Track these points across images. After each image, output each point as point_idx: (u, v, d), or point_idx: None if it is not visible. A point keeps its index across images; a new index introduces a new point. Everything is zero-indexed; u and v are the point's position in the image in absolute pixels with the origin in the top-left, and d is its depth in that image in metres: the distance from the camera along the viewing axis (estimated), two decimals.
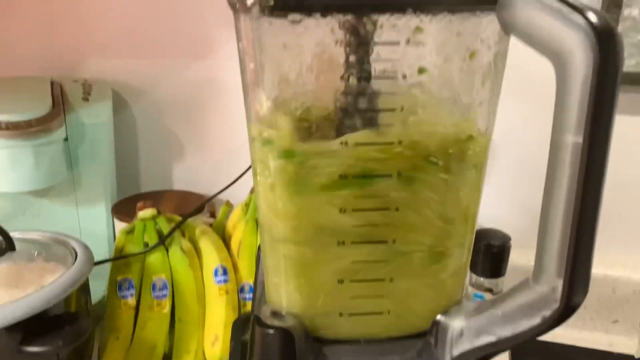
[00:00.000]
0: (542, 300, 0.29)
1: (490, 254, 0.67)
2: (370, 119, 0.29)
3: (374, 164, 0.29)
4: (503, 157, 0.76)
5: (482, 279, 0.69)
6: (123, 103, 0.86)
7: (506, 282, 0.68)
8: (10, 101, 0.65)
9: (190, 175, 0.88)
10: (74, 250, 0.58)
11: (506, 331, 0.30)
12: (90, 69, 0.86)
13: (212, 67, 0.82)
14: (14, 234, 0.57)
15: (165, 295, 0.65)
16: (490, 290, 0.69)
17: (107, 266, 0.66)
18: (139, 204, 0.66)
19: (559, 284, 0.27)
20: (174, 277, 0.66)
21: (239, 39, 0.28)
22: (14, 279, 0.53)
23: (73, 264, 0.55)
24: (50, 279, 0.53)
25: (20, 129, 0.60)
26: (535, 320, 0.29)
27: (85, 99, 0.73)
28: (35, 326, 0.47)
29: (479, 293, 0.69)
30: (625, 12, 0.63)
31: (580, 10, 0.23)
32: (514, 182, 0.76)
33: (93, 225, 0.76)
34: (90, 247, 0.60)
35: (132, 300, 0.64)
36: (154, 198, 0.83)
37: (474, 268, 0.69)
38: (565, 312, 0.28)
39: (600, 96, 0.23)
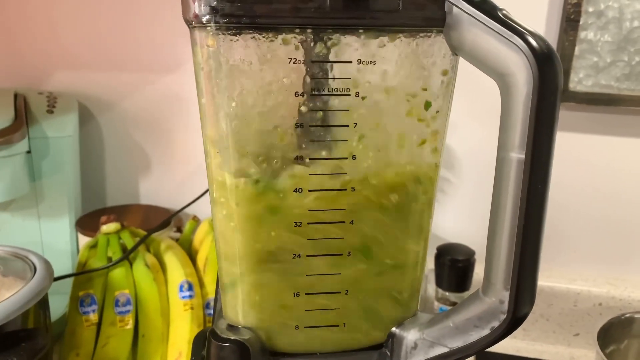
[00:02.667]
0: (491, 312, 0.30)
1: (456, 268, 0.68)
2: (323, 143, 0.30)
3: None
4: (466, 174, 0.77)
5: (447, 293, 0.69)
6: (89, 115, 0.85)
7: None
8: None
9: (156, 190, 0.88)
10: (34, 264, 0.57)
11: (457, 342, 0.31)
12: (56, 82, 0.85)
13: (178, 82, 0.82)
14: None
15: (128, 311, 0.64)
16: (454, 304, 0.70)
17: (69, 281, 0.64)
18: (103, 218, 0.65)
19: (506, 296, 0.28)
20: (137, 292, 0.65)
21: (194, 54, 0.28)
22: None
23: (32, 278, 0.54)
24: (8, 294, 0.52)
25: None
26: (485, 331, 0.30)
27: (50, 112, 0.73)
28: None
29: (445, 307, 0.70)
30: (582, 34, 0.65)
31: (520, 33, 0.24)
32: (477, 197, 0.77)
33: (56, 239, 0.74)
34: (51, 262, 0.59)
35: (94, 316, 0.63)
36: (119, 212, 0.82)
37: (439, 282, 0.70)
38: (512, 323, 0.29)
39: (541, 114, 0.24)
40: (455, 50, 0.28)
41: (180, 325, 0.65)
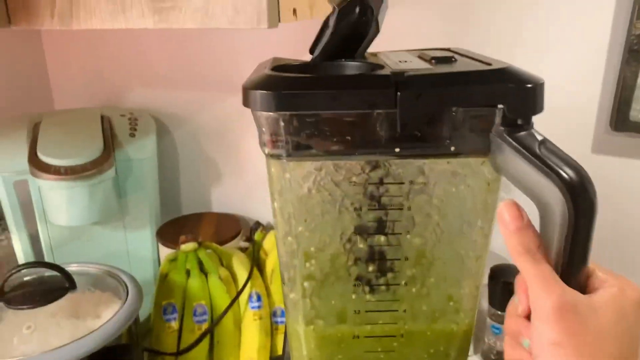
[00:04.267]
0: None
1: (509, 290, 0.70)
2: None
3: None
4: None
5: (499, 312, 0.72)
6: (165, 130, 0.93)
7: None
8: (66, 144, 0.72)
9: (227, 198, 0.94)
10: (125, 283, 0.64)
11: None
12: (134, 99, 0.93)
13: (241, 100, 0.86)
14: (71, 267, 0.64)
15: (205, 320, 0.71)
16: None
17: (149, 285, 0.72)
18: (182, 238, 0.72)
19: None
20: (212, 303, 0.72)
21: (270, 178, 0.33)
22: (73, 309, 0.60)
23: (125, 295, 0.62)
24: (105, 309, 0.60)
25: (76, 173, 0.67)
26: None
27: (132, 135, 0.80)
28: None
29: (497, 325, 0.73)
30: None
31: (555, 171, 0.27)
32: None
33: (139, 248, 0.83)
34: (135, 269, 0.66)
35: (175, 324, 0.71)
36: (194, 221, 0.89)
37: (492, 302, 0.73)
38: None
39: (575, 241, 0.27)
40: (499, 172, 0.31)
41: (250, 335, 0.72)
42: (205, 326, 0.71)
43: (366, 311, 0.35)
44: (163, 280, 0.72)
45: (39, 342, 0.53)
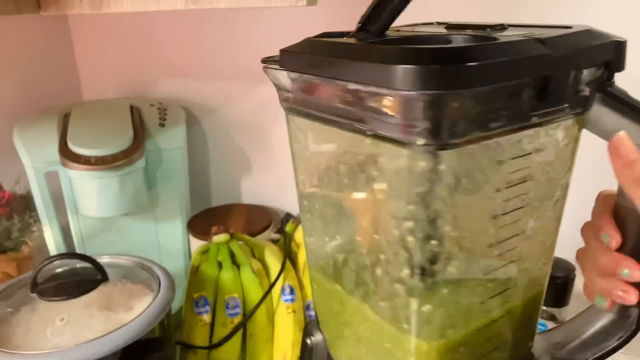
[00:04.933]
0: (620, 326, 0.35)
1: (555, 284, 0.68)
2: None
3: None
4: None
5: (545, 307, 0.69)
6: (194, 119, 0.91)
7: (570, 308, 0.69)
8: (96, 134, 0.71)
9: (256, 190, 0.93)
10: (157, 275, 0.63)
11: (587, 354, 0.36)
12: (163, 90, 0.92)
13: (272, 91, 0.84)
14: (103, 259, 0.63)
15: (237, 313, 0.70)
16: (553, 318, 0.70)
17: (180, 278, 0.71)
18: (214, 229, 0.71)
19: (635, 311, 0.34)
20: (245, 296, 0.71)
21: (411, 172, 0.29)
22: (106, 301, 0.59)
23: (157, 287, 0.60)
24: (137, 302, 0.59)
25: (107, 163, 0.66)
26: (613, 342, 0.35)
27: (162, 125, 0.78)
28: (128, 353, 0.52)
29: (542, 321, 0.70)
30: None
31: None
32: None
33: (170, 240, 0.82)
34: (166, 260, 0.64)
35: (207, 317, 0.69)
36: (224, 212, 0.88)
37: None
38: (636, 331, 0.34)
39: None
40: (592, 129, 0.31)
41: (284, 328, 0.70)
42: (237, 319, 0.69)
43: (489, 298, 0.32)
44: (194, 273, 0.71)
45: (72, 334, 0.52)
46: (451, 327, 0.31)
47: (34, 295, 0.56)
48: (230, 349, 0.68)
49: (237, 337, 0.69)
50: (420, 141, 0.26)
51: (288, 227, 0.81)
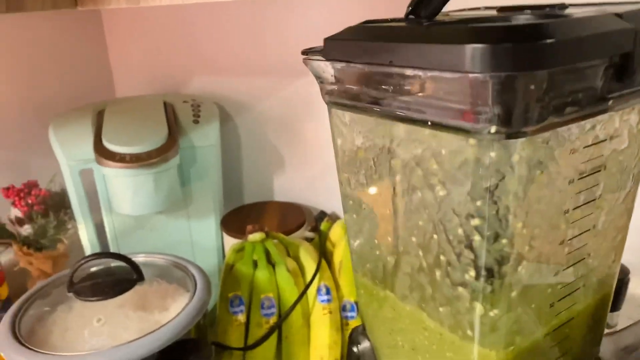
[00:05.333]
0: None
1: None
2: None
3: None
4: None
5: None
6: (227, 117, 0.90)
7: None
8: (131, 131, 0.70)
9: (290, 187, 0.91)
10: (192, 274, 0.62)
11: None
12: (196, 86, 0.91)
13: (306, 84, 0.83)
14: (138, 258, 0.62)
15: (273, 313, 0.68)
16: (607, 325, 0.66)
17: (214, 276, 0.69)
18: (249, 227, 0.69)
19: None
20: (280, 296, 0.69)
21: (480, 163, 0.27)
22: (140, 301, 0.58)
23: (193, 287, 0.59)
24: (172, 302, 0.58)
25: (142, 160, 0.65)
26: None
27: (196, 122, 0.77)
28: (165, 354, 0.51)
29: None
30: None
31: None
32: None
33: (203, 237, 0.81)
34: (200, 258, 0.62)
35: (242, 317, 0.68)
36: (258, 210, 0.87)
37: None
38: None
39: None
40: None
41: (320, 330, 0.68)
42: (273, 320, 0.68)
43: (558, 300, 0.30)
44: (229, 271, 0.69)
45: (109, 335, 0.51)
46: (519, 333, 0.28)
47: (71, 294, 0.55)
48: (265, 350, 0.67)
49: (273, 339, 0.67)
50: (490, 129, 0.23)
51: (323, 226, 0.79)
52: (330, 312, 0.69)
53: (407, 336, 0.34)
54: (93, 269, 0.60)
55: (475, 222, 0.26)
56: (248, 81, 0.88)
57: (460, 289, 0.27)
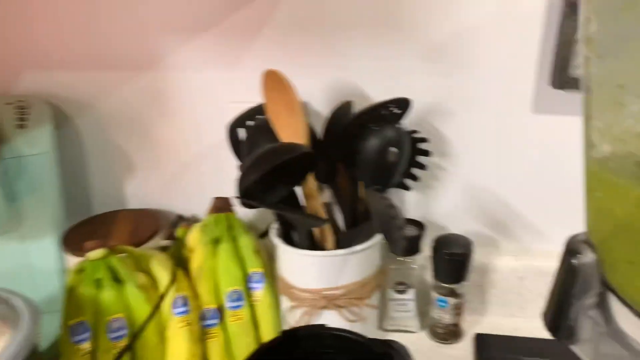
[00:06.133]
0: None
1: (454, 261, 0.67)
2: None
3: None
4: (462, 162, 0.74)
5: (444, 284, 0.69)
6: (64, 118, 0.81)
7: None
8: None
9: (143, 192, 0.84)
10: (15, 307, 0.55)
11: None
12: (25, 83, 0.80)
13: (156, 78, 0.76)
14: None
15: (123, 336, 0.63)
16: (453, 293, 0.69)
17: (58, 300, 0.62)
18: (87, 244, 0.62)
19: None
20: (131, 315, 0.64)
21: None
22: None
23: (17, 322, 0.52)
24: None
25: None
26: None
27: (22, 126, 0.68)
28: None
29: (442, 297, 0.69)
30: None
31: None
32: (474, 184, 0.74)
33: (42, 260, 0.72)
34: (40, 283, 0.55)
35: (87, 345, 0.61)
36: (107, 221, 0.79)
37: (437, 274, 0.69)
38: None
39: None
40: None
41: (177, 344, 0.64)
42: (124, 342, 0.62)
43: None
44: (70, 296, 0.62)
45: None
46: None
47: None
48: None
49: None
50: None
51: (179, 232, 0.74)
52: (189, 324, 0.65)
53: None
54: None
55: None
56: (88, 77, 0.79)
57: None
